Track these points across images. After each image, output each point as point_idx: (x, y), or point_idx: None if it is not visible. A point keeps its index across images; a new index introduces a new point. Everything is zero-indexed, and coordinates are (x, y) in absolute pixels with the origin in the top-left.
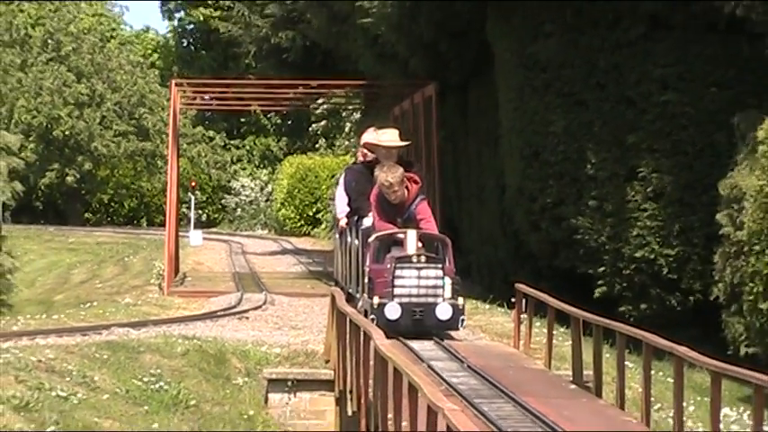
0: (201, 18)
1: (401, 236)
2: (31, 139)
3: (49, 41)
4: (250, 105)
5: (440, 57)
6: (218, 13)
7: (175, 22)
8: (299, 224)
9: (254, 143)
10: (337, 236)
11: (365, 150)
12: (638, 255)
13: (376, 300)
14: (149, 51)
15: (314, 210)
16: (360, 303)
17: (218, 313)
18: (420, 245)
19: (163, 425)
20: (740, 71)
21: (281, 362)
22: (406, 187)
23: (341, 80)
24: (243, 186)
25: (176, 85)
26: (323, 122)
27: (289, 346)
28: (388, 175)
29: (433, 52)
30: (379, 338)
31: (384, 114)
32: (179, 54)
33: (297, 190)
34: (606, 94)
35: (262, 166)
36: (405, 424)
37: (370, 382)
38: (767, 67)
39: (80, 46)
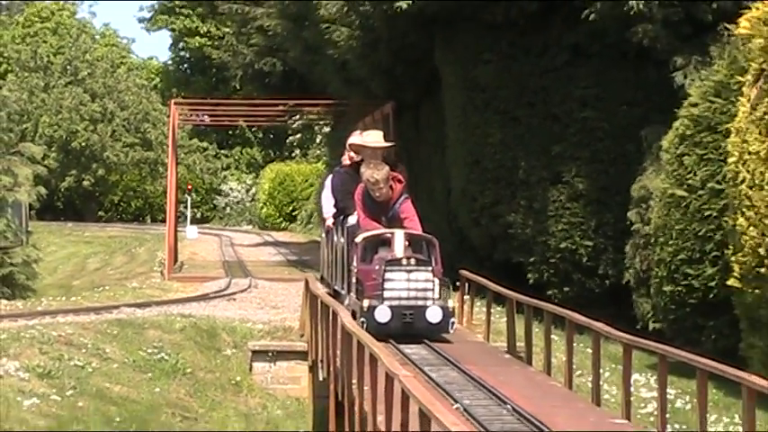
0: (197, 45)
1: (388, 235)
2: (52, 149)
3: (68, 67)
4: (237, 121)
5: (396, 80)
6: (210, 43)
7: (175, 52)
8: (278, 220)
9: (241, 153)
10: (324, 235)
11: (351, 153)
12: (562, 246)
13: (366, 302)
14: (152, 76)
15: (291, 208)
16: (346, 302)
17: (211, 295)
18: (407, 244)
19: (164, 389)
20: (647, 92)
21: (264, 336)
22: (391, 186)
23: (313, 100)
24: (231, 189)
25: (175, 104)
26: (298, 135)
27: (270, 323)
28: (374, 172)
29: (391, 76)
30: (344, 317)
31: (349, 128)
32: (177, 78)
33: (276, 192)
34: (535, 112)
35: (247, 171)
36: (366, 388)
37: (338, 352)
38: (670, 88)
39: (94, 71)
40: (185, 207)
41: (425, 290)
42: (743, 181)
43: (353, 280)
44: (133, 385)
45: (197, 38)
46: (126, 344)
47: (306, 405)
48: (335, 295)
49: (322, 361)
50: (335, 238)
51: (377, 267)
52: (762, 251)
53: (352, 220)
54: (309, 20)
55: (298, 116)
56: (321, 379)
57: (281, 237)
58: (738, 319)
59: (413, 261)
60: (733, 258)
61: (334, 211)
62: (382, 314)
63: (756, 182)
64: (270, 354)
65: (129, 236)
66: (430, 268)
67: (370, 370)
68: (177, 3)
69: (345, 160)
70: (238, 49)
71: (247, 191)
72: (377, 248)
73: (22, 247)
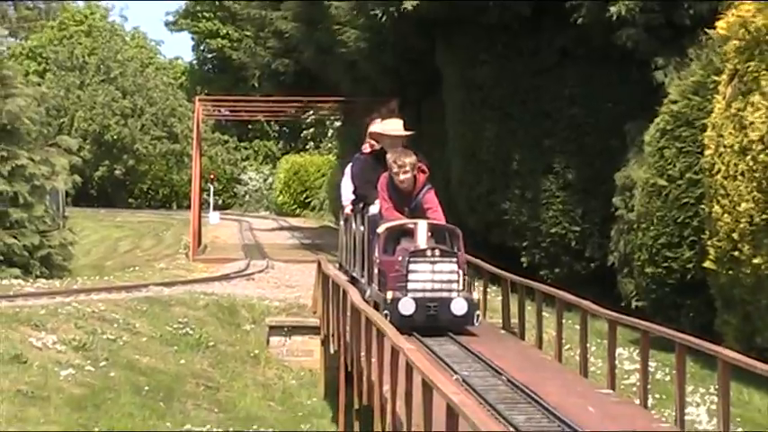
0: (218, 47)
1: (411, 226)
2: (87, 142)
3: (101, 67)
4: (255, 116)
5: (401, 79)
6: (230, 44)
7: (198, 53)
8: (293, 207)
9: (259, 145)
10: (342, 222)
11: (372, 141)
12: (552, 231)
13: (389, 294)
14: (179, 75)
15: (304, 196)
16: (368, 293)
17: (231, 275)
18: (429, 235)
19: (188, 361)
20: (630, 90)
21: (279, 312)
22: (414, 176)
23: (325, 97)
24: (250, 178)
25: (199, 100)
26: (311, 129)
27: (285, 301)
28: (401, 156)
29: (396, 75)
30: (353, 295)
31: (358, 123)
32: (201, 77)
33: (291, 181)
34: (528, 108)
35: (264, 162)
36: (373, 360)
37: (347, 328)
38: (651, 87)
39: (125, 70)
40: (208, 195)
41: (450, 281)
42: (718, 172)
43: (375, 271)
44: (160, 357)
45: (218, 39)
46: (154, 319)
47: (318, 375)
48: (353, 282)
49: (333, 335)
50: (354, 226)
51: (400, 258)
52: (735, 236)
53: (373, 209)
54: (321, 23)
55: (311, 112)
56: (332, 352)
57: (296, 222)
58: (714, 299)
59: (437, 252)
60: (709, 243)
61: (353, 197)
62: (406, 306)
63: (731, 173)
64: (285, 329)
65: (157, 221)
66: (455, 259)
67: (377, 344)
68: (199, 8)
69: (366, 148)
70: (256, 50)
71: (265, 180)
72: (399, 239)
73: (59, 231)
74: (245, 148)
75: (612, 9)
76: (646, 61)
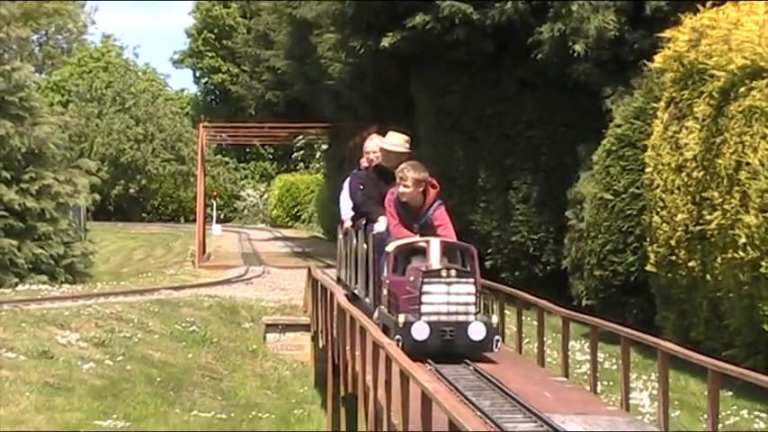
0: (219, 81)
1: (422, 244)
2: (105, 164)
3: (117, 98)
4: (252, 140)
5: (379, 106)
6: (229, 79)
7: (201, 86)
8: (286, 220)
9: (256, 166)
10: (341, 236)
11: (371, 157)
12: (513, 239)
13: (401, 318)
14: (185, 105)
15: (296, 210)
16: (375, 315)
17: (232, 280)
18: (442, 253)
19: (195, 355)
20: (582, 116)
21: (275, 312)
22: (424, 191)
23: (313, 123)
24: (248, 195)
25: (203, 127)
26: (301, 151)
27: (279, 302)
28: (410, 170)
29: (375, 103)
30: (339, 297)
31: (342, 146)
32: (204, 107)
33: (284, 197)
34: (491, 132)
35: (260, 181)
36: (357, 353)
37: (334, 325)
38: (599, 112)
39: (138, 101)
40: (211, 210)
41: (467, 304)
42: (657, 187)
43: (384, 292)
44: (170, 352)
45: (219, 75)
46: (165, 319)
47: (308, 367)
48: (354, 298)
49: (321, 332)
50: (355, 242)
51: (411, 279)
52: (672, 243)
53: (378, 227)
54: (309, 59)
55: (300, 136)
56: (321, 346)
57: (288, 233)
58: (654, 297)
59: (453, 272)
60: (649, 249)
61: (353, 213)
62: (420, 331)
63: (668, 187)
64: (280, 326)
65: (167, 233)
66: (471, 280)
67: (361, 339)
68: (202, 47)
69: (363, 163)
70: (252, 83)
71: (261, 196)
72: (408, 258)
73: (81, 242)
74: (244, 169)
75: (576, 47)
76: (595, 90)
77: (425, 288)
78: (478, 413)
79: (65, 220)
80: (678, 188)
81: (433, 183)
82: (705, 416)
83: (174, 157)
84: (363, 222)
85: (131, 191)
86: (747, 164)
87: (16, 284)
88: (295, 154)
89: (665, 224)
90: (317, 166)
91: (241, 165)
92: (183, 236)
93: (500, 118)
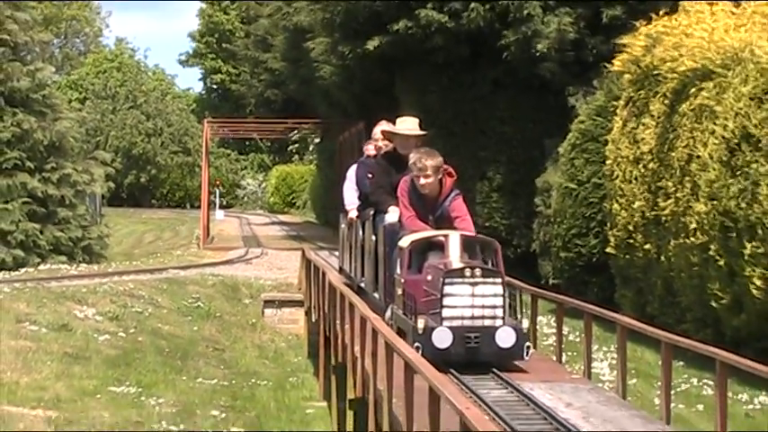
0: (221, 80)
1: (440, 238)
2: (118, 155)
3: (129, 95)
4: (252, 135)
5: (366, 104)
6: (230, 78)
7: (206, 85)
8: (282, 206)
9: (255, 157)
10: (343, 225)
11: (379, 144)
12: (486, 225)
13: (420, 323)
14: (191, 102)
15: (291, 197)
16: (388, 314)
17: (233, 260)
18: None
19: (200, 328)
20: (549, 113)
21: (272, 289)
22: (440, 180)
23: (307, 119)
24: (248, 184)
25: (207, 122)
26: (296, 145)
27: (276, 280)
28: (424, 158)
29: (362, 102)
30: (330, 276)
31: (333, 140)
32: (208, 104)
33: (281, 186)
34: (468, 128)
35: (259, 171)
36: (347, 327)
37: (325, 301)
38: (564, 110)
39: (148, 98)
40: (215, 197)
41: (494, 307)
42: (617, 177)
43: (399, 292)
44: (178, 325)
45: (221, 75)
46: (172, 295)
47: (302, 339)
48: (360, 292)
49: (314, 307)
50: (361, 234)
51: (430, 278)
52: (630, 228)
53: (390, 217)
54: (303, 61)
55: (295, 131)
56: (313, 320)
57: (284, 218)
58: (614, 277)
59: (477, 271)
60: (610, 233)
61: (358, 203)
62: (442, 338)
63: (627, 178)
64: (276, 302)
65: (174, 218)
66: (499, 280)
67: (349, 314)
68: (205, 49)
69: (370, 151)
70: (252, 83)
71: (259, 185)
72: (424, 253)
73: (97, 226)
74: (244, 160)
75: (539, 46)
76: (560, 90)
77: (447, 289)
78: (454, 380)
79: (82, 206)
80: (635, 178)
81: (450, 171)
82: (659, 383)
83: (180, 149)
84: (372, 212)
85: (142, 180)
86: (698, 157)
87: (38, 264)
88: (290, 147)
89: (623, 211)
90: (311, 158)
91: (241, 156)
92: (189, 221)
93: (475, 115)
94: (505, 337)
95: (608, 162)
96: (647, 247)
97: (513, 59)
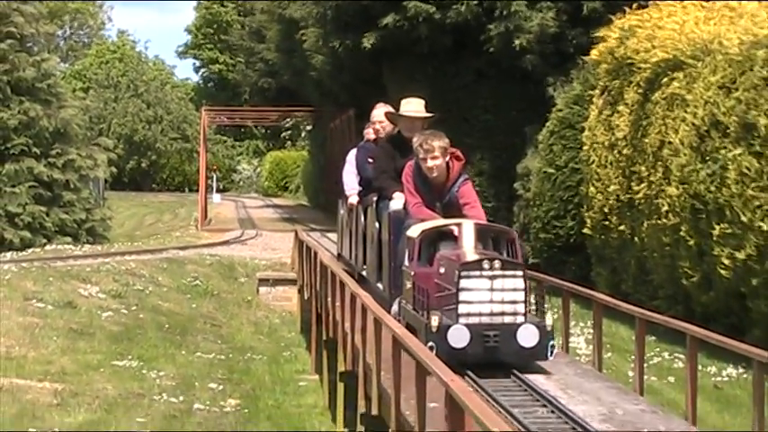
0: (218, 70)
1: (452, 227)
2: (120, 142)
3: (131, 85)
4: (247, 122)
5: (356, 93)
6: (227, 68)
7: (203, 75)
8: (275, 190)
9: (250, 144)
10: (342, 211)
11: (377, 127)
12: None
13: (434, 320)
14: (189, 91)
15: (284, 181)
16: (394, 308)
17: (230, 241)
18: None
19: (198, 305)
20: (529, 103)
21: (266, 268)
22: (448, 164)
23: (299, 107)
24: (243, 168)
25: (205, 110)
26: (289, 132)
27: (270, 260)
28: (431, 139)
29: (352, 91)
30: (321, 255)
31: (324, 127)
32: (205, 93)
33: (274, 170)
34: (452, 116)
35: (254, 156)
36: (337, 304)
37: (317, 279)
38: (544, 99)
39: (149, 87)
40: (212, 181)
41: (515, 302)
42: (593, 162)
43: (408, 285)
44: (177, 303)
45: (217, 65)
46: (172, 274)
47: (295, 315)
48: (361, 281)
49: (306, 285)
50: (363, 220)
51: (442, 271)
52: (606, 210)
53: (394, 204)
54: (296, 52)
55: (288, 118)
56: (306, 298)
57: (278, 201)
58: (590, 256)
59: (496, 264)
60: (586, 215)
61: (359, 188)
62: (458, 336)
63: (602, 163)
64: (270, 281)
65: (174, 201)
66: (520, 273)
67: (340, 292)
68: (201, 41)
69: (370, 135)
70: (247, 72)
71: (254, 170)
72: (434, 243)
73: (100, 209)
74: (240, 146)
75: (518, 41)
76: (540, 80)
77: (463, 283)
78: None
79: (86, 189)
80: (611, 163)
81: (458, 154)
82: (633, 357)
83: (179, 136)
84: (375, 198)
85: (143, 165)
86: (669, 143)
87: (45, 245)
88: (283, 133)
89: (599, 194)
90: (303, 144)
91: (237, 143)
92: (188, 204)
93: (459, 104)
94: (527, 336)
95: (585, 148)
96: (621, 228)
97: (495, 51)
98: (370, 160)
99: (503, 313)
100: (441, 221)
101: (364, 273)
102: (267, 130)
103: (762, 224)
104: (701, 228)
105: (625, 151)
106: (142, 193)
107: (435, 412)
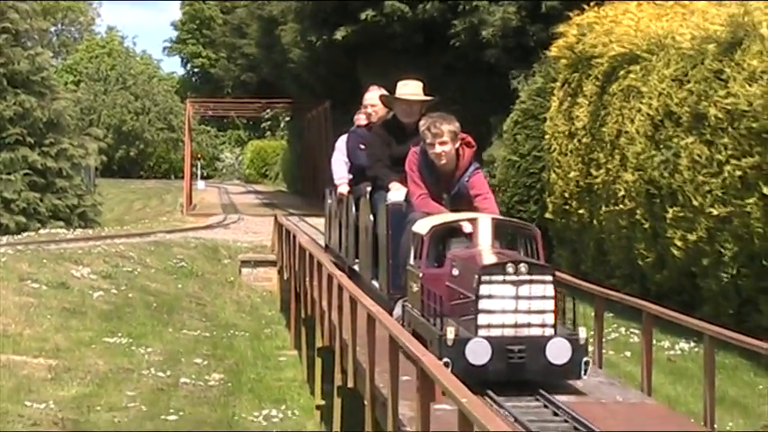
0: (201, 64)
1: (464, 223)
2: (110, 132)
3: (119, 78)
4: (229, 113)
5: (332, 86)
6: (210, 63)
7: (188, 68)
8: (256, 177)
9: (232, 133)
10: (330, 200)
11: (368, 111)
12: None
13: (450, 332)
14: (174, 84)
15: (264, 169)
16: (397, 312)
17: (213, 225)
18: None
19: (184, 285)
20: (494, 94)
21: (248, 251)
22: (457, 150)
23: (278, 99)
24: (226, 157)
25: (189, 102)
26: (269, 122)
27: (252, 243)
28: (439, 122)
29: (328, 83)
30: (300, 238)
31: (302, 118)
32: (190, 85)
33: (255, 159)
34: None
35: (236, 146)
36: (315, 283)
37: (296, 261)
38: (508, 91)
39: (136, 81)
40: (197, 169)
41: (543, 312)
42: (554, 150)
43: (414, 287)
44: (164, 283)
45: (201, 59)
46: (159, 256)
47: (275, 295)
48: (352, 275)
49: (285, 266)
50: (354, 211)
51: (456, 273)
52: (566, 195)
53: (394, 195)
54: (275, 47)
55: (268, 110)
56: (285, 278)
57: (258, 187)
58: (552, 239)
59: (523, 267)
60: (548, 200)
61: (349, 177)
62: (478, 351)
63: (563, 151)
64: (252, 262)
65: (161, 188)
66: (549, 278)
67: (317, 272)
68: (186, 36)
69: (361, 120)
70: (229, 67)
71: (236, 158)
72: (444, 240)
73: (91, 195)
74: (222, 136)
75: (484, 33)
76: (505, 73)
77: (484, 290)
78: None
79: (78, 177)
80: (571, 151)
81: (469, 140)
82: (592, 332)
83: (166, 126)
84: (368, 188)
85: (131, 154)
86: (626, 132)
87: (39, 229)
88: (264, 124)
89: (560, 180)
90: (282, 134)
91: (220, 132)
92: (174, 190)
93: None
94: (558, 351)
95: (546, 137)
96: (581, 212)
97: (461, 46)
98: (362, 147)
99: (529, 324)
100: (451, 216)
101: (356, 267)
102: (248, 120)
103: (712, 209)
104: (655, 211)
105: (584, 140)
106: (130, 180)
107: (408, 384)
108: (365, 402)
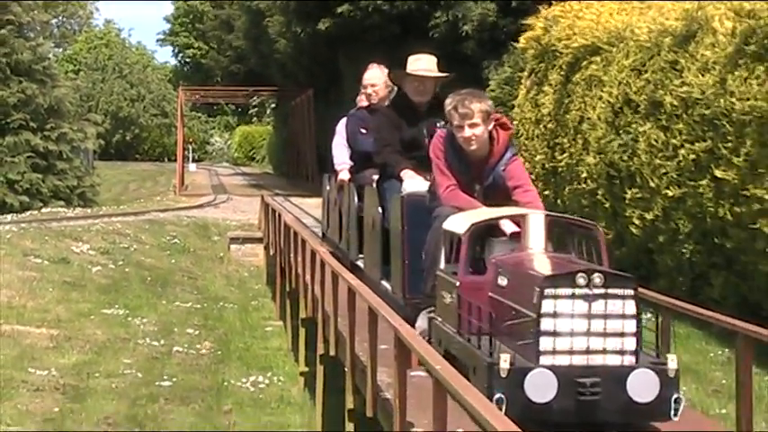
0: (192, 55)
1: (505, 221)
2: (107, 117)
3: (116, 67)
4: (219, 100)
5: (315, 75)
6: (200, 53)
7: (180, 59)
8: (244, 160)
9: (221, 119)
10: (328, 187)
11: (368, 92)
12: None
13: (505, 360)
14: (168, 73)
15: (252, 152)
16: (421, 323)
17: (204, 205)
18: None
19: (177, 261)
20: (467, 83)
21: (237, 228)
22: (491, 133)
23: (265, 87)
24: (216, 141)
25: (182, 90)
26: (256, 109)
27: (240, 221)
28: (469, 100)
29: (311, 73)
30: (285, 216)
31: (286, 104)
32: (182, 75)
33: (243, 143)
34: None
35: (225, 131)
36: (299, 259)
37: (281, 238)
38: (480, 80)
39: (132, 69)
40: (188, 152)
41: (623, 335)
42: (522, 135)
43: (447, 299)
44: (158, 259)
45: (192, 50)
46: (154, 234)
47: (262, 270)
48: (353, 269)
49: (271, 243)
50: (357, 201)
51: (503, 283)
52: (533, 177)
53: (410, 185)
54: (262, 39)
55: (255, 97)
56: (271, 254)
57: (246, 170)
58: None
59: (597, 278)
60: None
61: (350, 163)
62: (540, 385)
63: (530, 135)
64: (240, 239)
65: (155, 170)
66: (630, 292)
67: (301, 248)
68: (179, 28)
69: (362, 102)
70: (218, 58)
71: (225, 142)
72: (481, 240)
73: (90, 176)
74: (212, 121)
75: (465, 27)
76: (477, 64)
77: (547, 306)
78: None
79: (77, 159)
80: (537, 136)
81: (504, 121)
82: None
83: (159, 112)
84: (375, 176)
85: (127, 138)
86: (588, 118)
87: (41, 208)
88: (251, 110)
89: (527, 163)
90: (268, 120)
91: (210, 118)
92: (167, 172)
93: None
94: (642, 386)
95: (514, 123)
96: (546, 192)
97: (438, 38)
98: (363, 131)
99: (604, 351)
100: (493, 211)
101: (360, 263)
102: (237, 107)
103: (667, 190)
104: (615, 192)
105: (549, 126)
106: (126, 162)
107: (386, 353)
108: (346, 369)
